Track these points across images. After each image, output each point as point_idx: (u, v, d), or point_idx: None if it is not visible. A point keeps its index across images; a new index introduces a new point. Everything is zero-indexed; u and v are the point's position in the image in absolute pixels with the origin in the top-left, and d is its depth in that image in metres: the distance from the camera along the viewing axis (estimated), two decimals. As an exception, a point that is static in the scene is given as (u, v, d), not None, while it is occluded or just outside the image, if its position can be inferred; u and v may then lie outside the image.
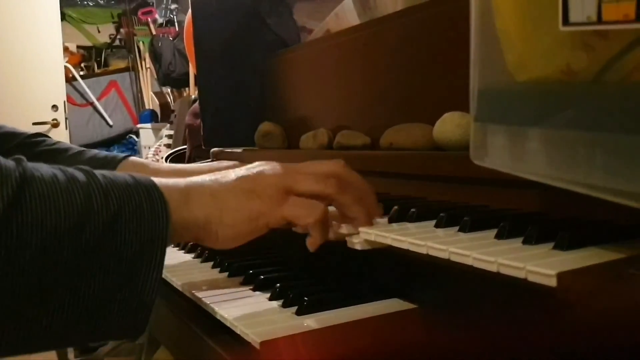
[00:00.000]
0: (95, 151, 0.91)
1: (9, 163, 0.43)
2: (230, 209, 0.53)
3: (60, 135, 3.42)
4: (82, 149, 0.91)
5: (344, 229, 0.55)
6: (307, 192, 0.55)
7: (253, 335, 0.50)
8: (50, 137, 0.93)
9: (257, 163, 0.57)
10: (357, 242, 0.54)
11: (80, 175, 0.46)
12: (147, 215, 0.47)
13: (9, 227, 0.40)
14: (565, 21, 0.37)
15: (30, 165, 0.45)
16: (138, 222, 0.47)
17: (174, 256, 0.85)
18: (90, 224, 0.44)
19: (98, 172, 0.48)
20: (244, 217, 0.53)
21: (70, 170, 0.47)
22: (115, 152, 0.96)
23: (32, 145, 0.89)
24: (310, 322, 0.53)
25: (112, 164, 0.87)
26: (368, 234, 0.54)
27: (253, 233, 0.55)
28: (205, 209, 0.52)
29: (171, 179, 0.53)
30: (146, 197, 0.48)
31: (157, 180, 0.51)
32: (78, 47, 4.50)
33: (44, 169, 0.45)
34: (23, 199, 0.42)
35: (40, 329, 0.43)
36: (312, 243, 0.55)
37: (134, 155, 0.97)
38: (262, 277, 0.65)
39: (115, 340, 0.50)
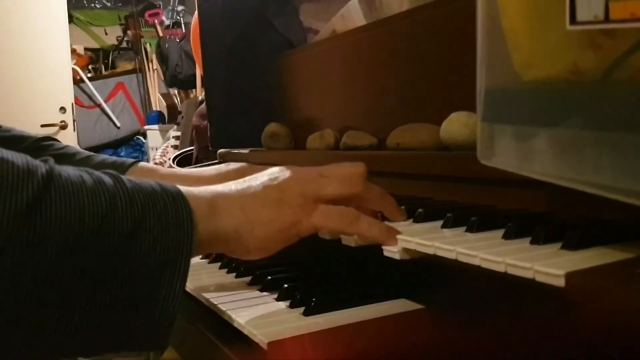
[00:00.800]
0: (103, 156, 0.91)
1: (37, 162, 0.43)
2: (262, 220, 0.52)
3: (68, 137, 3.43)
4: (91, 153, 0.91)
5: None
6: (335, 196, 0.55)
7: (261, 335, 0.50)
8: (58, 141, 0.93)
9: (278, 169, 0.57)
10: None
11: (107, 179, 0.46)
12: (172, 222, 0.46)
13: (32, 221, 0.40)
14: (573, 20, 0.37)
15: (58, 166, 0.44)
16: (163, 229, 0.46)
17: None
18: (114, 226, 0.43)
19: (125, 177, 0.47)
20: (276, 228, 0.53)
21: (97, 173, 0.46)
22: (124, 157, 0.95)
23: (40, 149, 0.89)
24: (318, 322, 0.53)
25: (120, 169, 0.87)
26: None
27: (284, 243, 0.54)
28: (234, 220, 0.52)
29: (197, 188, 0.52)
30: (171, 204, 0.47)
31: (183, 188, 0.50)
32: (85, 49, 4.52)
33: (70, 170, 0.45)
34: (48, 194, 0.41)
35: (56, 333, 0.42)
36: (352, 241, 0.55)
37: (141, 156, 0.97)
38: (269, 277, 0.65)
39: (136, 353, 0.49)
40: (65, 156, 0.89)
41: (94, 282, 0.43)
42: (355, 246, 0.54)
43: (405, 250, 0.50)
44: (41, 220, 0.40)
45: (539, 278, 0.37)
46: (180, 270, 0.46)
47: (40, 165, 0.43)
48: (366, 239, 0.54)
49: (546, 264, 0.37)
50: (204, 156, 1.63)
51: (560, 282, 0.36)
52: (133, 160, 0.90)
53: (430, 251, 0.47)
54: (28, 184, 0.41)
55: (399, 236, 0.51)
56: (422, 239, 0.48)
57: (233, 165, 0.94)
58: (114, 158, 0.91)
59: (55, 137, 0.99)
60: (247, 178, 0.56)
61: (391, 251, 0.51)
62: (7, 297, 0.40)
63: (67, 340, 0.43)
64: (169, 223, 0.46)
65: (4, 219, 0.39)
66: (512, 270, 0.39)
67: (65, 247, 0.41)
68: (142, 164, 0.90)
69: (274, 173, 0.56)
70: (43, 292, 0.41)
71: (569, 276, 0.36)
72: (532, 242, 0.44)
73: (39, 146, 0.89)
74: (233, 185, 0.55)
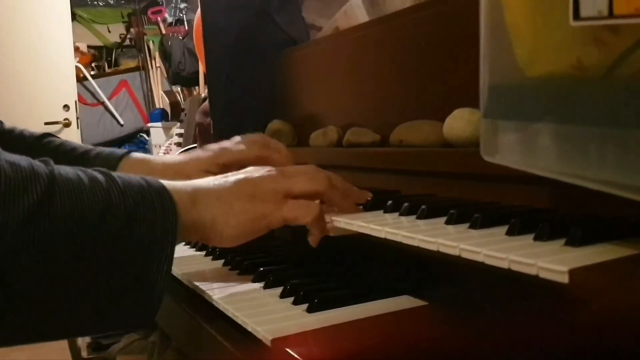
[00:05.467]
0: (99, 149, 0.92)
1: (38, 163, 0.48)
2: (235, 211, 0.59)
3: (72, 135, 3.44)
4: (88, 148, 0.92)
5: (342, 224, 0.61)
6: (303, 192, 0.62)
7: (264, 332, 0.50)
8: (56, 137, 0.93)
9: (252, 168, 0.64)
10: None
11: (99, 176, 0.51)
12: (159, 212, 0.52)
13: (43, 218, 0.45)
14: (576, 16, 0.37)
15: (56, 166, 0.49)
16: (152, 221, 0.52)
17: (186, 254, 0.85)
18: (111, 216, 0.49)
19: (115, 174, 0.53)
20: (247, 218, 0.59)
21: (90, 171, 0.52)
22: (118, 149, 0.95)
23: (40, 147, 0.91)
24: (321, 319, 0.53)
25: (112, 161, 0.88)
26: (378, 231, 0.54)
27: (255, 233, 0.60)
28: (211, 211, 0.58)
29: (179, 182, 0.58)
30: (157, 197, 0.53)
31: (166, 183, 0.56)
32: (89, 47, 4.53)
33: (68, 169, 0.50)
34: (54, 193, 0.46)
35: (60, 319, 0.48)
36: (313, 240, 0.62)
37: (145, 154, 0.97)
38: (273, 274, 0.65)
39: (124, 332, 0.59)
40: (63, 153, 0.90)
41: (95, 269, 0.48)
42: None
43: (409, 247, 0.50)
44: (50, 217, 0.45)
45: (543, 274, 0.37)
46: (167, 254, 0.52)
47: (43, 168, 0.48)
48: (336, 229, 0.61)
49: (550, 261, 0.37)
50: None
51: (564, 279, 0.36)
52: (126, 150, 0.90)
53: (434, 247, 0.47)
54: (35, 184, 0.45)
55: (400, 232, 0.51)
56: (426, 235, 0.48)
57: (212, 146, 0.93)
58: (108, 150, 0.92)
59: (58, 134, 0.99)
60: (225, 175, 0.63)
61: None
62: (26, 291, 0.45)
63: (70, 323, 0.49)
64: (156, 213, 0.52)
65: (18, 219, 0.43)
66: (515, 267, 0.39)
67: (73, 238, 0.46)
68: (135, 154, 0.91)
69: (248, 171, 0.63)
70: (55, 283, 0.46)
71: (572, 272, 0.36)
72: (535, 239, 0.43)
73: (38, 145, 0.91)
74: (212, 181, 0.61)
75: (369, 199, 0.67)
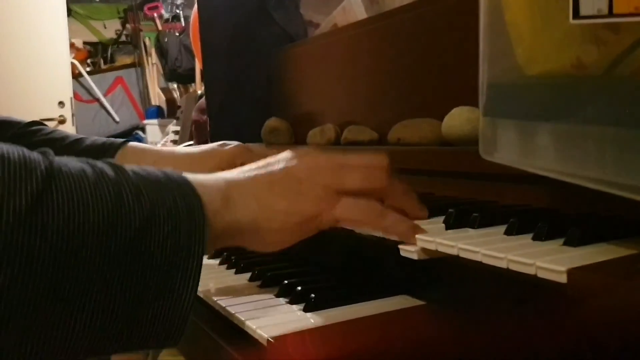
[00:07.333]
0: (93, 138, 0.87)
1: (35, 155, 0.40)
2: (280, 211, 0.49)
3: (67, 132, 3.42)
4: (80, 136, 0.86)
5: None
6: (357, 189, 0.52)
7: (261, 332, 0.49)
8: (46, 126, 0.90)
9: (292, 154, 0.52)
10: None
11: (109, 171, 0.43)
12: (183, 217, 0.43)
13: (32, 224, 0.37)
14: (576, 14, 0.37)
15: (58, 158, 0.41)
16: (173, 225, 0.43)
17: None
18: (120, 225, 0.40)
19: (128, 168, 0.44)
20: (294, 221, 0.50)
21: (99, 164, 0.43)
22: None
23: (29, 134, 0.86)
24: (318, 318, 0.52)
25: (110, 150, 0.83)
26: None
27: (302, 236, 0.52)
28: (249, 212, 0.49)
29: (205, 176, 0.49)
30: (181, 198, 0.44)
31: (192, 178, 0.47)
32: (84, 43, 4.51)
33: (71, 163, 0.42)
34: (50, 194, 0.38)
35: (63, 335, 0.40)
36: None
37: (147, 144, 0.92)
38: (269, 274, 0.65)
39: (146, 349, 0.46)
40: (53, 141, 0.85)
41: (101, 284, 0.40)
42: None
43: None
44: (42, 223, 0.37)
45: (541, 274, 0.37)
46: (193, 268, 0.43)
47: (39, 162, 0.39)
48: (389, 236, 0.51)
49: (548, 260, 0.37)
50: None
51: (562, 279, 0.36)
52: (122, 140, 0.85)
53: (432, 247, 0.47)
54: (27, 185, 0.37)
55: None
56: (425, 235, 0.48)
57: (230, 145, 0.90)
58: (103, 139, 0.86)
59: (53, 131, 0.98)
60: (258, 163, 0.53)
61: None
62: (12, 309, 0.37)
63: (76, 342, 0.41)
64: (179, 218, 0.43)
65: (2, 224, 0.36)
66: (514, 267, 0.39)
67: (69, 250, 0.38)
68: (133, 144, 0.85)
69: (290, 160, 0.52)
70: (48, 299, 0.38)
71: (571, 272, 0.36)
72: (534, 238, 0.43)
73: (27, 131, 0.86)
74: (245, 173, 0.51)
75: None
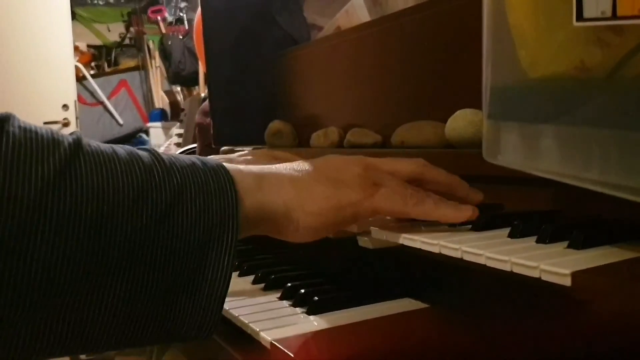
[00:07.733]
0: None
1: (62, 133, 0.41)
2: (315, 196, 0.48)
3: (71, 135, 3.43)
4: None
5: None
6: (395, 172, 0.52)
7: (264, 334, 0.49)
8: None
9: (331, 155, 0.53)
10: (365, 240, 0.54)
11: (141, 152, 0.43)
12: (214, 193, 0.43)
13: (61, 194, 0.37)
14: (579, 16, 0.37)
15: (86, 139, 0.42)
16: (205, 200, 0.42)
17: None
18: (151, 198, 0.40)
19: (160, 152, 0.44)
20: (331, 205, 0.48)
21: (130, 147, 0.44)
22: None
23: None
24: (321, 321, 0.52)
25: None
26: (379, 232, 0.53)
27: (338, 224, 0.50)
28: (285, 194, 0.47)
29: (241, 165, 0.49)
30: (213, 176, 0.44)
31: (225, 162, 0.47)
32: (88, 46, 4.52)
33: (100, 143, 0.42)
34: (77, 164, 0.38)
35: (87, 322, 0.39)
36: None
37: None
38: (272, 276, 0.65)
39: (184, 341, 0.44)
40: None
41: (132, 260, 0.39)
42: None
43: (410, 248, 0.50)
44: (71, 190, 0.37)
45: (545, 277, 0.37)
46: (228, 243, 0.42)
47: (65, 136, 0.40)
48: (433, 219, 0.50)
49: (552, 263, 0.37)
50: (206, 154, 1.62)
51: (567, 281, 0.36)
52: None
53: (436, 249, 0.46)
54: (55, 152, 0.38)
55: (402, 235, 0.50)
56: (427, 237, 0.48)
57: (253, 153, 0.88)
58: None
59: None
60: (295, 162, 0.52)
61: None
62: (38, 282, 0.36)
63: (101, 330, 0.40)
64: (210, 193, 0.42)
65: (31, 190, 0.36)
66: (518, 269, 0.39)
67: (99, 221, 0.38)
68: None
69: (324, 157, 0.52)
70: (74, 269, 0.37)
71: (575, 275, 0.35)
72: (538, 241, 0.43)
73: None
74: (280, 166, 0.50)
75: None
